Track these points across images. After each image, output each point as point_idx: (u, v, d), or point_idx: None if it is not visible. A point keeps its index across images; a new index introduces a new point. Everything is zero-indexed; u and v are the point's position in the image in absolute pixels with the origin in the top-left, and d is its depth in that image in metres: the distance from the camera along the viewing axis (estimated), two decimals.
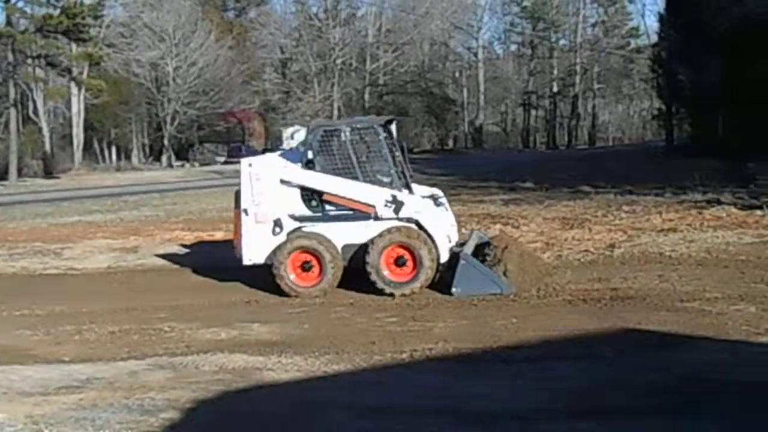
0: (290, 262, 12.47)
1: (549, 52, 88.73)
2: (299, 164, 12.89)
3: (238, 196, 13.19)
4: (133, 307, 12.24)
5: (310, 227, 12.77)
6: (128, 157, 68.11)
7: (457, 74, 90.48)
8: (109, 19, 62.69)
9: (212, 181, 44.80)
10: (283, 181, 12.87)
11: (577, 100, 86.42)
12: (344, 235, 12.66)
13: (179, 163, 67.53)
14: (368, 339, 9.84)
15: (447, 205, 13.67)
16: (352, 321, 10.98)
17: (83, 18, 50.35)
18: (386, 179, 12.86)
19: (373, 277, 12.27)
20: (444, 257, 12.53)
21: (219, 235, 19.62)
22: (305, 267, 12.52)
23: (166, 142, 65.75)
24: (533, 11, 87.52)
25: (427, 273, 12.27)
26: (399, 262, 12.35)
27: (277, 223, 12.75)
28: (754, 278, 12.23)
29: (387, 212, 12.60)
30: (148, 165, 66.20)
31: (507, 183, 30.28)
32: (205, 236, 19.53)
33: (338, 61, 69.21)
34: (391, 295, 12.16)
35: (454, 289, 12.07)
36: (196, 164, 67.86)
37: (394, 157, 13.03)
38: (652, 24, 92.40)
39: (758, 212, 19.09)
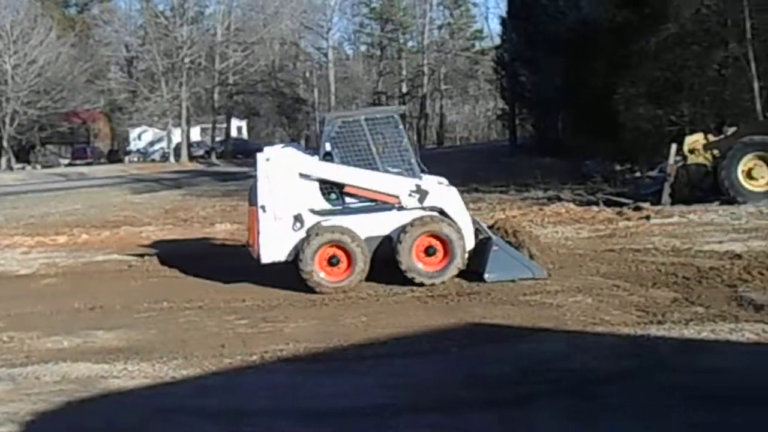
0: (318, 258, 12.05)
1: (398, 53, 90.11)
2: (316, 157, 12.55)
3: (252, 192, 12.69)
4: None
5: (331, 221, 12.36)
6: None
7: (307, 74, 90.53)
8: None
9: (55, 184, 43.36)
10: (302, 175, 12.42)
11: (425, 100, 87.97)
12: (367, 227, 12.32)
13: (20, 165, 65.05)
14: (218, 342, 9.72)
15: None
16: (201, 324, 10.80)
17: None
18: (396, 170, 12.59)
19: (405, 267, 12.04)
20: (470, 244, 12.43)
21: (62, 240, 19.04)
22: (332, 262, 12.12)
23: (5, 143, 63.03)
24: (382, 12, 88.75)
25: (459, 260, 12.17)
26: (429, 251, 12.14)
27: (298, 219, 12.30)
28: (591, 271, 12.81)
29: (411, 202, 12.41)
30: None
31: None
32: (48, 241, 18.90)
33: (186, 60, 67.95)
34: (421, 284, 11.99)
35: (487, 275, 12.03)
36: (38, 166, 65.83)
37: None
38: (495, 27, 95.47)
39: (594, 208, 20.19)
